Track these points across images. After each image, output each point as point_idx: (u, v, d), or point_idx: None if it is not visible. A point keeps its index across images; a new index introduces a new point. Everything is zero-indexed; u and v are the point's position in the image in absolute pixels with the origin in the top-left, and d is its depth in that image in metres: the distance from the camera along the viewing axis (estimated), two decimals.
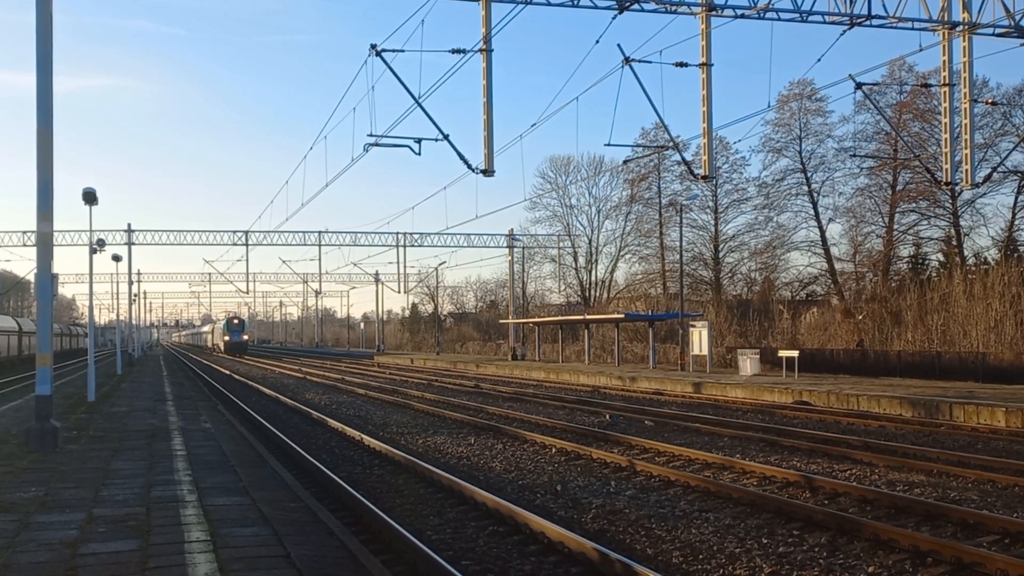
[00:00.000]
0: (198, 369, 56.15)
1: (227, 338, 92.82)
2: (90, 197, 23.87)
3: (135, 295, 68.97)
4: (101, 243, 35.15)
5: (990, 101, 41.14)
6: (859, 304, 52.41)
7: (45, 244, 14.90)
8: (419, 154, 23.39)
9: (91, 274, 31.36)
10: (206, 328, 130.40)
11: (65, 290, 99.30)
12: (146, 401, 26.27)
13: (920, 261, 56.79)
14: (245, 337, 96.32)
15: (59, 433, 14.97)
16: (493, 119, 21.90)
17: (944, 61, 24.03)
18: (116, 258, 42.43)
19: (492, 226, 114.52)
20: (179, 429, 18.27)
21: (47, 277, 15.15)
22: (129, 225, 64.00)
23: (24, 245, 61.50)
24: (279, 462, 14.36)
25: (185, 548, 7.89)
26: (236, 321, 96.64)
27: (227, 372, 51.19)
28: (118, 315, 56.66)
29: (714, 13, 22.27)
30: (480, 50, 21.38)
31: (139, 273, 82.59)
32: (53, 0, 14.74)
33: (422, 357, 69.83)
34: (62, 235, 60.28)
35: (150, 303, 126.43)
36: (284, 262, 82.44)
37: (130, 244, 62.59)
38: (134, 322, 79.08)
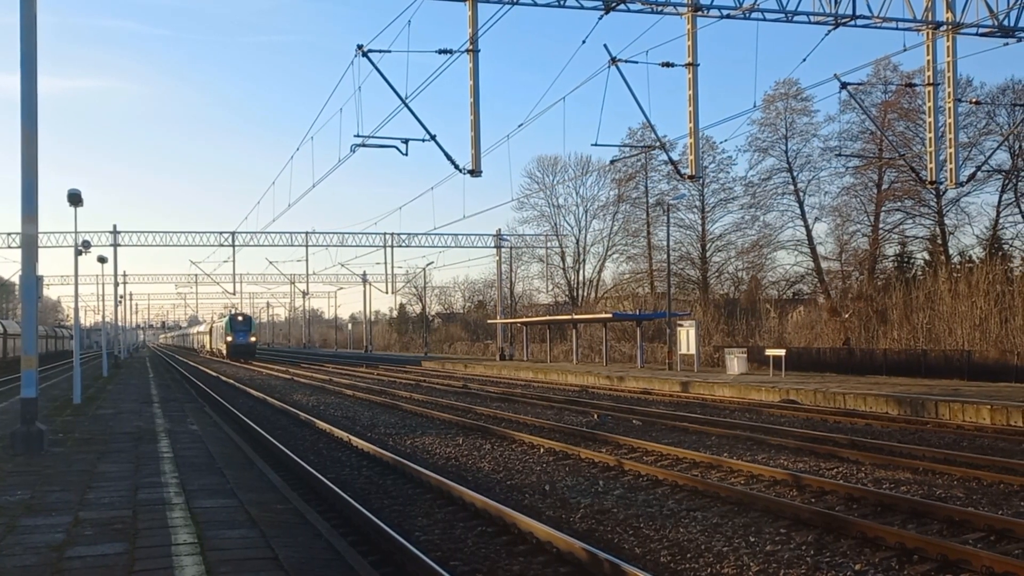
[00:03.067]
0: (185, 371, 55.95)
1: (230, 339, 76.77)
2: (75, 199, 23.74)
3: (121, 297, 68.69)
4: (86, 244, 35.00)
5: (974, 100, 41.44)
6: (845, 303, 52.67)
7: (30, 246, 14.83)
8: (406, 155, 23.37)
9: (76, 276, 31.24)
10: (200, 328, 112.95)
11: (50, 292, 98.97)
12: (132, 403, 26.15)
13: (905, 260, 57.09)
14: (253, 338, 79.48)
15: (45, 436, 14.89)
16: (480, 119, 21.93)
17: (928, 61, 24.15)
18: (102, 260, 42.24)
19: (480, 226, 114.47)
20: (166, 431, 18.20)
21: (32, 279, 15.07)
22: (115, 226, 63.76)
23: (9, 247, 61.20)
24: (267, 464, 14.32)
25: (172, 551, 7.86)
26: (241, 318, 79.41)
27: (214, 374, 51.02)
28: (104, 317, 56.44)
29: (700, 13, 22.33)
30: (467, 50, 21.38)
31: (125, 274, 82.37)
32: (37, 1, 14.69)
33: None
34: (47, 237, 60.13)
35: (136, 305, 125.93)
36: (271, 263, 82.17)
37: (116, 245, 62.36)
38: (120, 324, 78.77)
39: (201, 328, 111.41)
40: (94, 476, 12.27)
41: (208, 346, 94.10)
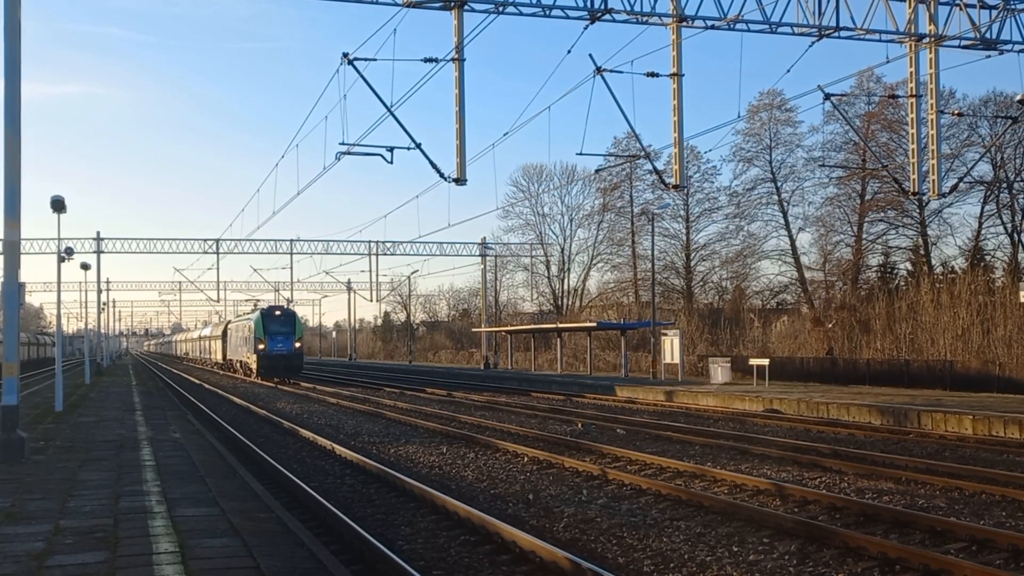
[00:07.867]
0: (167, 378, 55.60)
1: (263, 347, 48.90)
2: (58, 205, 23.59)
3: (104, 304, 68.27)
4: (69, 251, 34.81)
5: (956, 112, 41.66)
6: (829, 313, 52.91)
7: (12, 251, 14.77)
8: (391, 163, 23.34)
9: (59, 283, 31.05)
10: (204, 332, 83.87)
11: (32, 299, 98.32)
12: (115, 411, 25.99)
13: (888, 270, 57.39)
14: (297, 344, 50.35)
15: (26, 443, 14.79)
16: (465, 128, 21.90)
17: (911, 72, 24.33)
18: (85, 267, 42.01)
19: (465, 235, 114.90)
20: (148, 439, 18.09)
21: (14, 286, 15.01)
22: (98, 233, 63.17)
23: None
24: (249, 472, 14.25)
25: (153, 560, 7.82)
26: (280, 313, 51.58)
27: (197, 382, 50.73)
28: (86, 324, 56.00)
29: (685, 24, 22.41)
30: (452, 59, 21.38)
31: (108, 282, 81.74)
32: (22, 6, 14.65)
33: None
34: (30, 243, 59.51)
35: (119, 312, 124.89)
36: (255, 270, 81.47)
37: (99, 252, 61.88)
38: (103, 331, 78.25)
39: (205, 332, 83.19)
40: (75, 484, 12.19)
41: (219, 356, 66.41)
